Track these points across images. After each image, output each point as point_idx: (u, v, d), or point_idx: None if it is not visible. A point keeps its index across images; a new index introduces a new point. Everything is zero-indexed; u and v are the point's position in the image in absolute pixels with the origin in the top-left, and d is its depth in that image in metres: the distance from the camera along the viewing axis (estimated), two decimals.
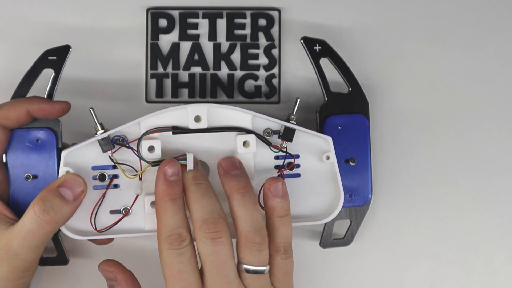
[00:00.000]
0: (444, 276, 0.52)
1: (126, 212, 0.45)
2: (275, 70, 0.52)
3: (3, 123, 0.44)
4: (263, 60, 0.52)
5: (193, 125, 0.44)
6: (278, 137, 0.45)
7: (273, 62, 0.52)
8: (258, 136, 0.45)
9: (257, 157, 0.46)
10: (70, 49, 0.47)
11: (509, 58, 0.53)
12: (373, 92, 0.52)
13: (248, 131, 0.45)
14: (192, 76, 0.52)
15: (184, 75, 0.52)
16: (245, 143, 0.45)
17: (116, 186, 0.45)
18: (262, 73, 0.52)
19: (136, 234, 0.45)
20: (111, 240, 0.48)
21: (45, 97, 0.46)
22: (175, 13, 0.52)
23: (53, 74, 0.46)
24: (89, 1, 0.52)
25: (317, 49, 0.49)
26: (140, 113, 0.51)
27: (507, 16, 0.53)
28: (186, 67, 0.52)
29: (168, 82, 0.52)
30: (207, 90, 0.52)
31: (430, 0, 0.53)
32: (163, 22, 0.52)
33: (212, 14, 0.52)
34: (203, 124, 0.44)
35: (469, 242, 0.52)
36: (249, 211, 0.42)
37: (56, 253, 0.48)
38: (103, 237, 0.45)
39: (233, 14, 0.52)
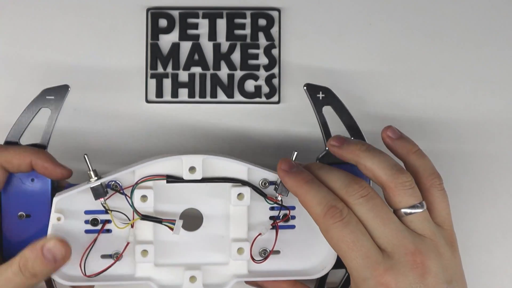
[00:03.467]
0: None
1: (118, 258, 0.44)
2: (275, 70, 0.52)
3: (4, 165, 0.44)
4: (263, 60, 0.52)
5: (187, 176, 0.44)
6: (274, 189, 0.45)
7: (273, 62, 0.52)
8: (253, 188, 0.44)
9: (252, 207, 0.45)
10: (69, 89, 0.46)
11: (509, 58, 0.53)
12: (371, 82, 0.52)
13: (244, 183, 0.44)
14: (192, 76, 0.52)
15: (184, 75, 0.52)
16: (239, 195, 0.44)
17: (108, 231, 0.44)
18: (262, 73, 0.52)
19: (127, 282, 0.45)
20: None
21: (41, 141, 0.45)
22: (175, 13, 0.52)
23: (50, 113, 0.45)
24: (89, 1, 0.52)
25: (320, 96, 0.47)
26: (140, 114, 0.51)
27: (507, 16, 0.53)
28: (186, 67, 0.52)
29: (168, 82, 0.52)
30: (207, 90, 0.52)
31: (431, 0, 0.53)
32: (163, 22, 0.52)
33: (212, 14, 0.52)
34: (197, 175, 0.44)
35: (469, 242, 0.52)
36: (381, 158, 0.42)
37: None
38: (93, 283, 0.44)
39: (233, 14, 0.52)
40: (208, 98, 0.52)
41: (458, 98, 0.53)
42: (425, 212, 0.42)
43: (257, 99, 0.52)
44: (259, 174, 0.45)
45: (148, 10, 0.52)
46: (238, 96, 0.52)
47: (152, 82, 0.51)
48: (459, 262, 0.43)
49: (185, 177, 0.44)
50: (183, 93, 0.52)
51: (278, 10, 0.52)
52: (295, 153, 0.44)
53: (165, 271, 0.45)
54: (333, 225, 0.40)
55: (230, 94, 0.52)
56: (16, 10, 0.52)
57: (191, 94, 0.52)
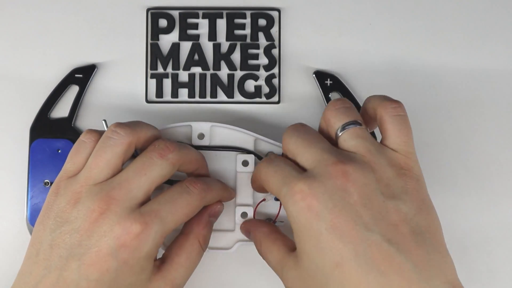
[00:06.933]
0: None
1: None
2: (275, 70, 0.52)
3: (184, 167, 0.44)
4: (263, 60, 0.52)
5: (196, 142, 0.47)
6: None
7: (273, 62, 0.52)
8: (258, 156, 0.47)
9: None
10: (96, 69, 0.51)
11: (509, 58, 0.53)
12: (370, 82, 0.52)
13: (249, 152, 0.47)
14: (192, 76, 0.52)
15: (184, 75, 0.52)
16: (244, 162, 0.47)
17: None
18: (262, 73, 0.52)
19: None
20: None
21: (69, 110, 0.50)
22: (175, 13, 0.52)
23: (78, 89, 0.50)
24: (89, 1, 0.52)
25: (328, 83, 0.51)
26: (140, 113, 0.51)
27: (507, 16, 0.53)
28: (186, 67, 0.52)
29: (168, 82, 0.52)
30: (207, 90, 0.52)
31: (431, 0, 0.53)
32: (163, 22, 0.52)
33: (212, 14, 0.52)
34: (206, 141, 0.47)
35: (469, 242, 0.52)
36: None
37: None
38: None
39: (233, 14, 0.52)
40: (208, 98, 0.52)
41: (459, 98, 0.53)
42: (360, 129, 0.40)
43: (257, 99, 0.52)
44: (265, 146, 0.48)
45: (148, 10, 0.52)
46: (238, 96, 0.52)
47: (152, 82, 0.51)
48: (414, 186, 0.38)
49: (194, 143, 0.47)
50: (183, 93, 0.52)
51: (278, 10, 0.52)
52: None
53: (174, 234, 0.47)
54: (261, 165, 0.42)
55: (230, 94, 0.52)
56: (15, 11, 0.52)
57: (191, 94, 0.52)
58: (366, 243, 0.35)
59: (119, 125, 0.42)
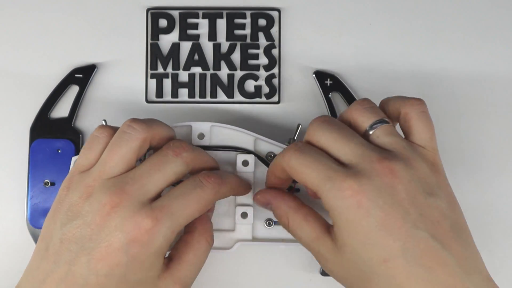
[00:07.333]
0: None
1: None
2: (275, 70, 0.52)
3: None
4: (263, 60, 0.52)
5: (196, 142, 0.47)
6: None
7: (273, 62, 0.52)
8: (258, 156, 0.47)
9: (259, 177, 0.47)
10: (96, 69, 0.51)
11: (509, 59, 0.53)
12: (370, 82, 0.52)
13: (249, 152, 0.47)
14: (192, 76, 0.52)
15: (184, 75, 0.52)
16: (244, 162, 0.47)
17: None
18: (262, 73, 0.52)
19: None
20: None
21: (69, 110, 0.50)
22: (175, 13, 0.52)
23: (78, 89, 0.50)
24: (89, 1, 0.52)
25: (328, 83, 0.51)
26: (140, 114, 0.51)
27: (507, 16, 0.53)
28: (186, 67, 0.52)
29: (168, 82, 0.52)
30: (207, 90, 0.52)
31: (431, 0, 0.53)
32: (163, 22, 0.52)
33: (212, 14, 0.52)
34: (206, 142, 0.47)
35: None
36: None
37: None
38: None
39: (233, 14, 0.52)
40: (208, 98, 0.52)
41: (459, 98, 0.53)
42: (390, 126, 0.40)
43: (257, 99, 0.52)
44: (265, 146, 0.48)
45: (148, 10, 0.52)
46: (238, 96, 0.52)
47: (152, 82, 0.52)
48: (444, 182, 0.40)
49: (194, 143, 0.47)
50: (183, 93, 0.52)
51: (278, 10, 0.52)
52: (300, 126, 0.48)
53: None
54: (291, 156, 0.40)
55: (230, 94, 0.52)
56: (15, 11, 0.52)
57: (191, 94, 0.52)
58: (414, 240, 0.36)
59: (135, 120, 0.42)
